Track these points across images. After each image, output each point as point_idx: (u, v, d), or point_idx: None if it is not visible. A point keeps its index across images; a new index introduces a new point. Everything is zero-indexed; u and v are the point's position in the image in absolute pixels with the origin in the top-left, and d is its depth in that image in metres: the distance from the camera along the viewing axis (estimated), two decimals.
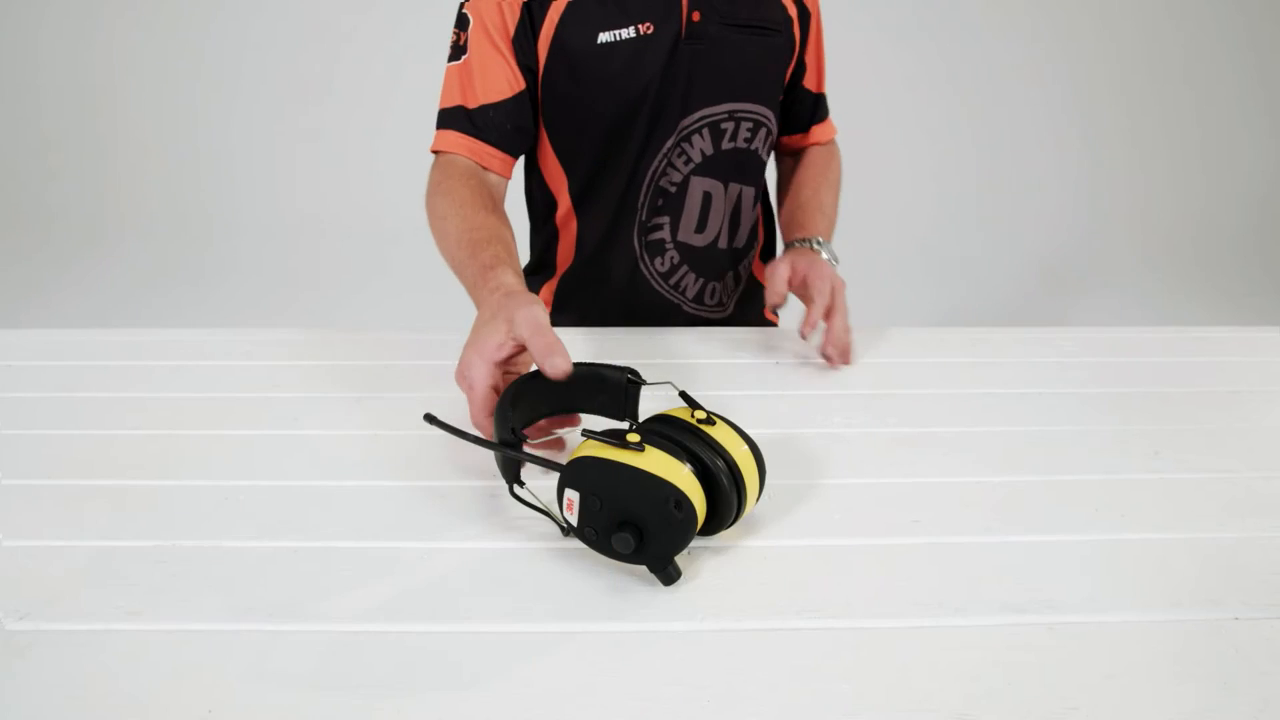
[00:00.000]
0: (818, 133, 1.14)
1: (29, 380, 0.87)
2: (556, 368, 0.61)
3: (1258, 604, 0.53)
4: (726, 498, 0.54)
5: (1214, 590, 0.54)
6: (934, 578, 0.55)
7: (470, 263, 0.80)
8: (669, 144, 1.00)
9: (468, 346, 0.67)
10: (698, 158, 1.02)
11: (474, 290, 0.78)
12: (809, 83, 1.10)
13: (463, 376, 0.66)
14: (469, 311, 0.76)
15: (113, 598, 0.53)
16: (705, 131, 1.01)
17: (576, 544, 0.58)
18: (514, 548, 0.59)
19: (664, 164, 1.01)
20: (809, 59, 1.08)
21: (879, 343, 0.96)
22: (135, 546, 0.58)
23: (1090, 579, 0.55)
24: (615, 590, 0.54)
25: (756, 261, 1.20)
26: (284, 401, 0.81)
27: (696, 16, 0.96)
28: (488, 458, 0.68)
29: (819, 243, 0.99)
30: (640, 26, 0.94)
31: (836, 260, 0.99)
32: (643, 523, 0.51)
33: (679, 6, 0.95)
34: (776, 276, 0.93)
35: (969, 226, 3.58)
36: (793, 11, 1.03)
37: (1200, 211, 3.66)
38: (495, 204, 0.94)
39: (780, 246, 1.09)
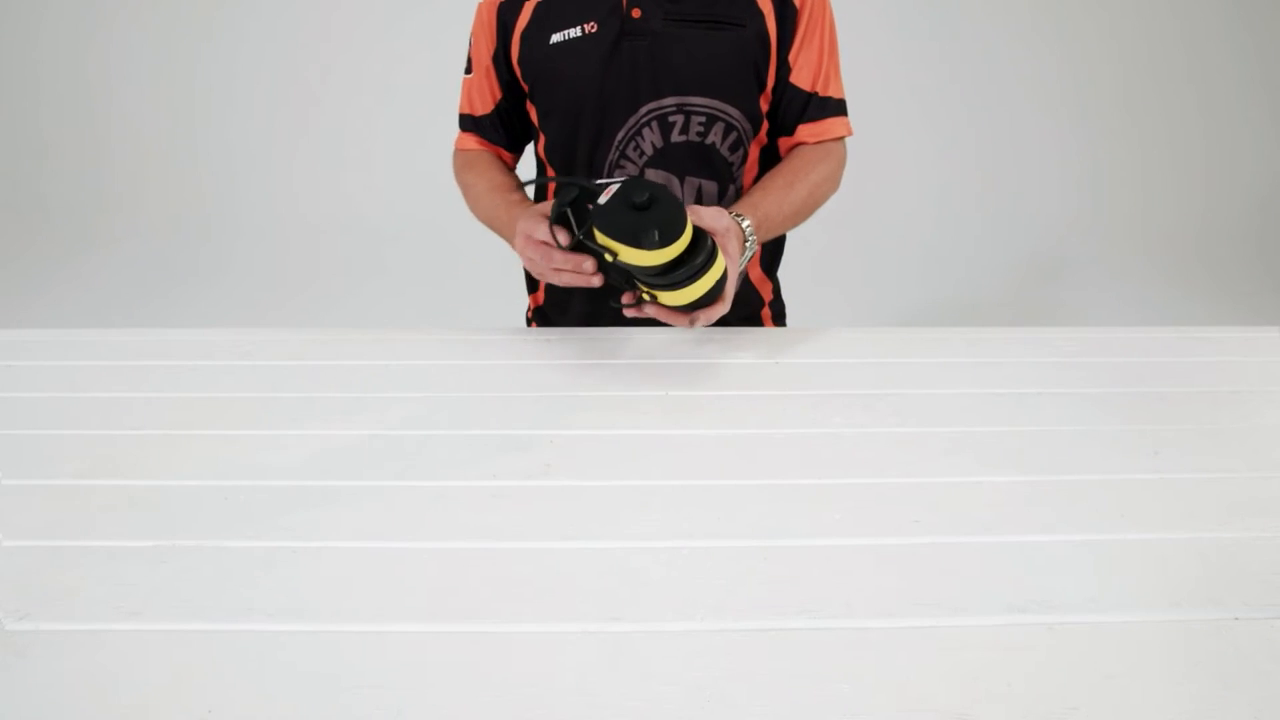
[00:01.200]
0: (804, 132, 1.07)
1: (29, 380, 0.87)
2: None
3: (1258, 604, 0.53)
4: (704, 247, 0.78)
5: (1214, 590, 0.54)
6: (934, 578, 0.55)
7: (502, 204, 1.02)
8: (620, 136, 1.03)
9: (523, 225, 0.87)
10: (649, 150, 1.04)
11: (508, 218, 0.98)
12: (799, 80, 1.05)
13: (529, 242, 0.86)
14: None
15: (113, 598, 0.53)
16: (654, 124, 1.03)
17: (576, 544, 0.58)
18: (514, 548, 0.59)
19: (618, 156, 1.04)
20: (795, 56, 1.04)
21: (879, 343, 0.96)
22: (135, 546, 0.58)
23: (1090, 579, 0.55)
24: (615, 590, 0.54)
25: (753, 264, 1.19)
26: (284, 401, 0.81)
27: (637, 13, 0.98)
28: (488, 458, 0.69)
29: (746, 227, 0.92)
30: (586, 26, 0.99)
31: (753, 247, 0.93)
32: (656, 197, 0.75)
33: (620, 4, 0.99)
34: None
35: (969, 225, 3.57)
36: (766, 6, 1.00)
37: (1201, 211, 3.65)
38: (510, 170, 1.13)
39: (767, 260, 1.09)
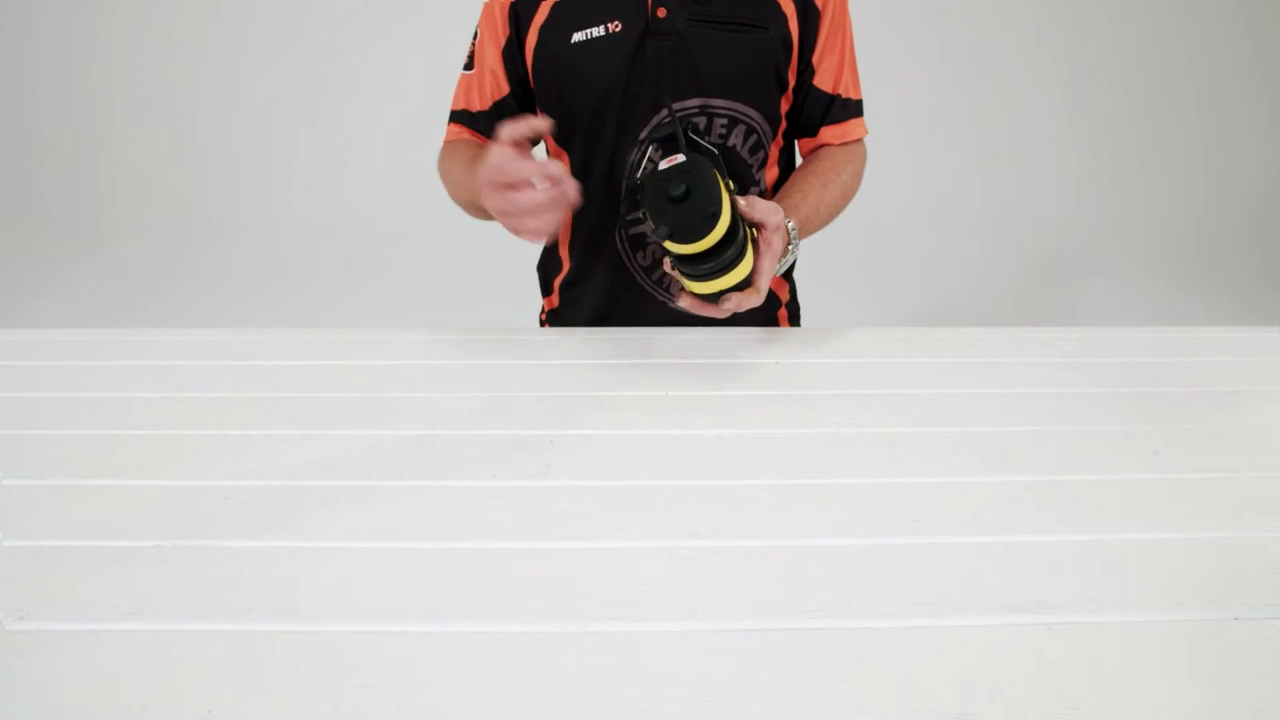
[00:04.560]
0: (828, 134, 1.09)
1: (29, 380, 0.87)
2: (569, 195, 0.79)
3: (1258, 604, 0.53)
4: (733, 243, 0.78)
5: (1214, 590, 0.54)
6: (934, 578, 0.55)
7: (470, 171, 0.94)
8: (644, 136, 1.02)
9: (481, 168, 0.82)
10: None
11: (475, 184, 0.91)
12: (822, 83, 1.06)
13: (497, 175, 0.79)
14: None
15: (113, 598, 0.53)
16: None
17: (576, 544, 0.58)
18: (514, 548, 0.59)
19: (640, 157, 1.02)
20: (819, 59, 1.04)
21: (879, 343, 0.96)
22: (135, 546, 0.58)
23: (1090, 579, 0.55)
24: (615, 590, 0.54)
25: None
26: (284, 401, 0.81)
27: (662, 13, 0.97)
28: (489, 458, 0.69)
29: (791, 227, 0.93)
30: (609, 25, 0.98)
31: (796, 250, 0.95)
32: (692, 191, 0.75)
33: (645, 3, 0.97)
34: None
35: (969, 225, 3.57)
36: (789, 9, 1.00)
37: (1201, 211, 3.66)
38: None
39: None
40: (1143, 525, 0.62)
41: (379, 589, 0.54)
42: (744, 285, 0.83)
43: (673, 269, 0.84)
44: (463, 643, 0.50)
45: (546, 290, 1.21)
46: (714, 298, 0.83)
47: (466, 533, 0.60)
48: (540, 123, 0.83)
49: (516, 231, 0.82)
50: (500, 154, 0.81)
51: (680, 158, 0.79)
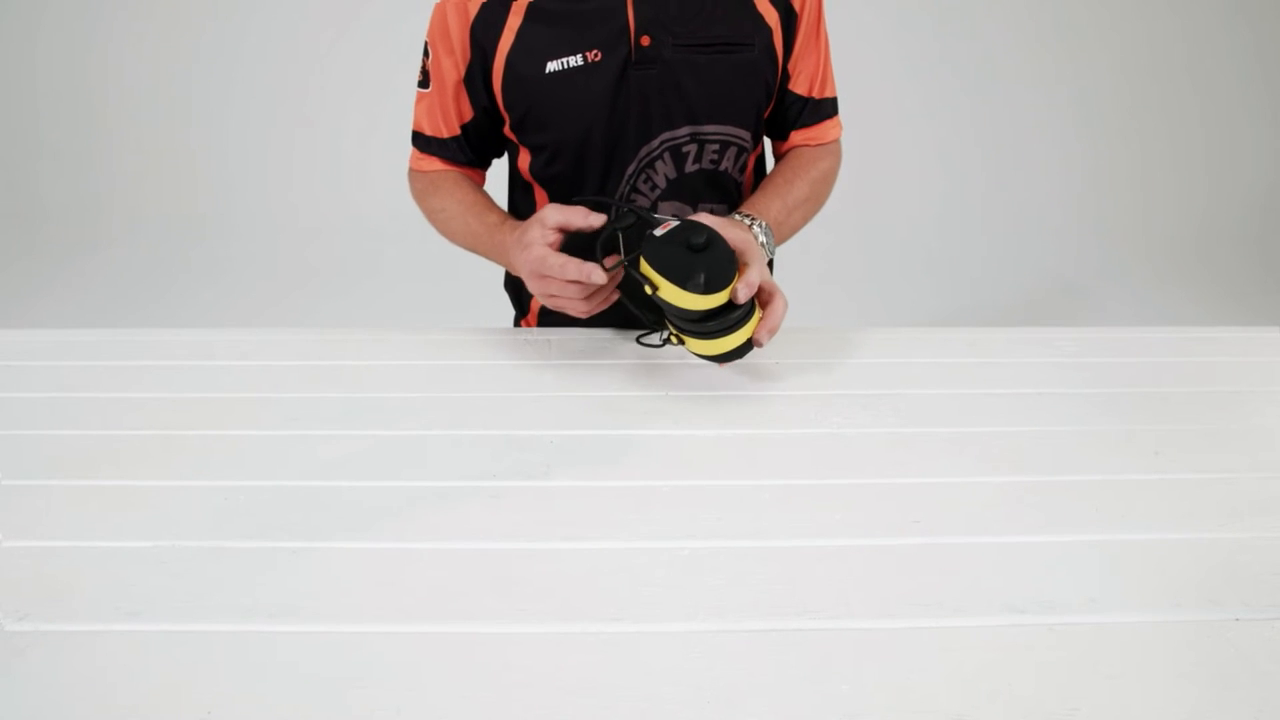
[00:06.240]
0: (801, 138, 1.06)
1: (29, 380, 0.87)
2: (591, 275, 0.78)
3: (1258, 604, 0.53)
4: (742, 304, 0.77)
5: (1214, 590, 0.54)
6: (934, 578, 0.55)
7: (481, 228, 0.97)
8: (631, 169, 0.98)
9: (522, 254, 0.82)
10: (663, 183, 0.99)
11: (492, 243, 0.96)
12: (797, 87, 1.02)
13: (542, 269, 0.80)
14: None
15: (113, 598, 0.53)
16: (667, 156, 0.98)
17: (576, 544, 0.58)
18: (514, 548, 0.59)
19: (629, 189, 0.99)
20: (795, 64, 1.01)
21: (879, 343, 0.96)
22: (135, 546, 0.58)
23: (1090, 579, 0.55)
24: (615, 590, 0.54)
25: None
26: (284, 401, 0.81)
27: (646, 41, 0.92)
28: (489, 458, 0.69)
29: (761, 226, 0.91)
30: (588, 54, 0.92)
31: (771, 249, 0.92)
32: (713, 242, 0.76)
33: (627, 31, 0.92)
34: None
35: (970, 226, 3.57)
36: (772, 19, 0.96)
37: (1201, 211, 3.66)
38: (479, 187, 1.07)
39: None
40: (1143, 525, 0.62)
41: (379, 589, 0.54)
42: (747, 348, 0.80)
43: (674, 330, 0.81)
44: (463, 643, 0.50)
45: (522, 311, 1.16)
46: (717, 359, 0.81)
47: (466, 533, 0.60)
48: (595, 220, 0.80)
49: (559, 309, 0.84)
50: (542, 248, 0.81)
51: (672, 221, 0.78)
